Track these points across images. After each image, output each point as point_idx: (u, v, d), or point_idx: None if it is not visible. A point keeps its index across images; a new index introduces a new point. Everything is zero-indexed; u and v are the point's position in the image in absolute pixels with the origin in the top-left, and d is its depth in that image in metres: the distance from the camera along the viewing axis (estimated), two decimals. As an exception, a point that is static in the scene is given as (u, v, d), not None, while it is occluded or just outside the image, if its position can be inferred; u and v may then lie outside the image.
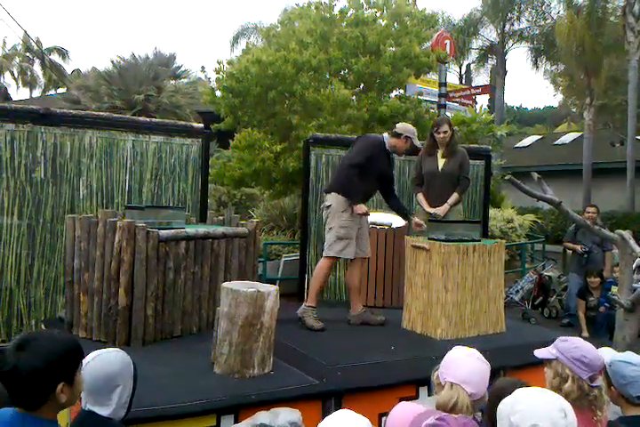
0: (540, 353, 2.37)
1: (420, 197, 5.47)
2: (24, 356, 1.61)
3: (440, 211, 5.26)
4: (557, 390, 2.22)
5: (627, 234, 4.63)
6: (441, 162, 5.37)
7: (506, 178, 4.87)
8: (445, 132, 5.29)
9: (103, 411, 2.07)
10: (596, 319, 6.65)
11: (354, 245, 4.64)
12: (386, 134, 4.88)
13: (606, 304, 6.52)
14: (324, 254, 4.73)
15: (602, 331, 6.36)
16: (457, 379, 2.14)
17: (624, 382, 2.42)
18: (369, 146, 4.71)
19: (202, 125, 5.82)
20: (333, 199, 4.65)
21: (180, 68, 18.98)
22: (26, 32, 31.82)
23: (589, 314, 6.80)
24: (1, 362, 1.64)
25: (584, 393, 2.20)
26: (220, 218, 4.99)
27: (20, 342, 1.66)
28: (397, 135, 4.77)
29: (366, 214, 4.67)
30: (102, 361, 2.14)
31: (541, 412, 1.73)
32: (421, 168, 5.47)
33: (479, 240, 4.73)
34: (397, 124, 4.93)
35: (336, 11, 9.73)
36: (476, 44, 23.55)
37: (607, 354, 2.63)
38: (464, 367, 2.17)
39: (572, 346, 2.32)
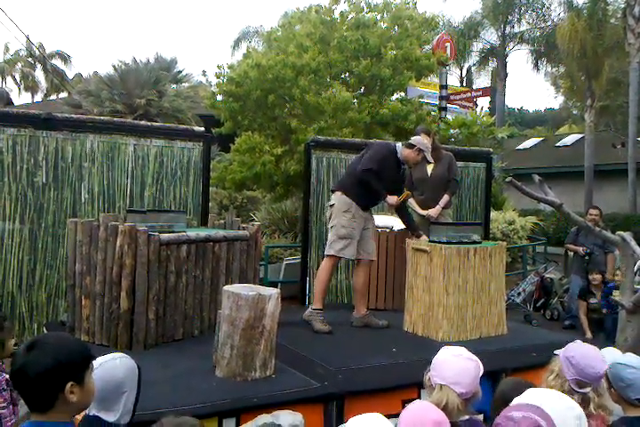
0: (557, 351, 2.47)
1: (412, 201, 5.57)
2: (32, 356, 1.63)
3: (432, 212, 5.40)
4: (545, 381, 2.35)
5: (628, 235, 4.63)
6: (429, 168, 5.52)
7: (507, 180, 4.87)
8: None
9: (110, 417, 2.07)
10: (600, 322, 6.60)
11: (355, 245, 4.64)
12: (399, 144, 4.86)
13: (608, 307, 6.48)
14: (325, 253, 4.76)
15: (611, 336, 6.25)
16: (445, 380, 2.15)
17: (623, 384, 2.42)
18: (382, 152, 4.69)
19: (203, 129, 5.84)
20: (337, 198, 4.68)
21: (181, 72, 19.01)
22: (28, 37, 31.90)
23: (591, 316, 6.78)
24: (11, 365, 1.67)
25: (566, 394, 2.21)
26: (222, 221, 5.00)
27: (29, 343, 1.68)
28: (410, 146, 4.75)
29: (393, 205, 4.71)
30: (109, 368, 2.13)
31: (558, 417, 1.74)
32: (412, 176, 5.60)
33: (480, 242, 4.74)
34: (413, 137, 4.91)
35: (336, 14, 9.77)
36: (477, 46, 23.53)
37: (610, 355, 2.63)
38: (452, 368, 2.18)
39: (575, 346, 2.38)
